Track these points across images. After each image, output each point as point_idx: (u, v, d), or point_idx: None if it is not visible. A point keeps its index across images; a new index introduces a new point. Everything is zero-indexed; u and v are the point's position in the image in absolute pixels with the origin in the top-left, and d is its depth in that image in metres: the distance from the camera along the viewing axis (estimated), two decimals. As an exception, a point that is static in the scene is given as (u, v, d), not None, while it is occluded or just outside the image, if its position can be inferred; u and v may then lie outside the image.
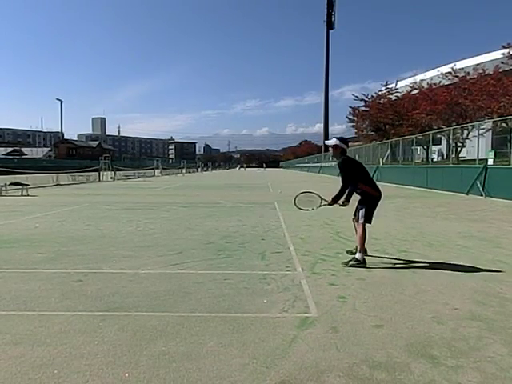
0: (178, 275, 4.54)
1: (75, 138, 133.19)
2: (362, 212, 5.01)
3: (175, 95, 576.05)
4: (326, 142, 5.40)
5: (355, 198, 5.17)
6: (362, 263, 4.89)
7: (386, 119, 38.49)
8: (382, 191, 5.15)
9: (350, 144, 5.55)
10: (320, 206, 5.35)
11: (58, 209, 11.35)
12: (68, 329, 3.08)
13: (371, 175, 5.46)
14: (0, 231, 7.59)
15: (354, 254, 5.11)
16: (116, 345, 2.81)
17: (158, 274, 4.59)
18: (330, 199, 5.17)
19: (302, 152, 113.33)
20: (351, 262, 4.92)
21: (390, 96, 40.83)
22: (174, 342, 2.86)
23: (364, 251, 5.03)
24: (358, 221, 5.08)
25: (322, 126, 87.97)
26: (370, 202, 5.03)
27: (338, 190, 5.11)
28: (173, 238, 6.88)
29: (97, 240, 6.63)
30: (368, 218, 5.00)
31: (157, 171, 50.68)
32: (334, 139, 5.20)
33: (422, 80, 36.38)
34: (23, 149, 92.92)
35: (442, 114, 29.36)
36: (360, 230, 4.98)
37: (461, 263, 5.09)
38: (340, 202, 5.14)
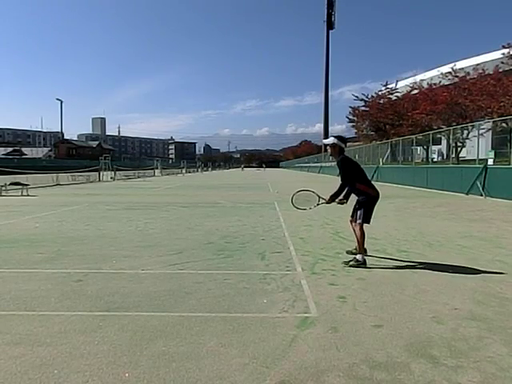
0: (178, 275, 4.54)
1: (75, 138, 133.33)
2: (359, 212, 5.00)
3: (175, 95, 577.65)
4: (324, 141, 5.39)
5: (353, 197, 5.18)
6: (362, 264, 4.89)
7: (386, 119, 38.49)
8: (379, 191, 5.14)
9: (349, 144, 5.58)
10: (318, 204, 5.30)
11: (58, 209, 11.36)
12: (68, 329, 3.08)
13: (371, 175, 5.50)
14: (0, 231, 7.59)
15: (354, 254, 5.13)
16: (116, 345, 2.81)
17: (158, 274, 4.59)
18: (328, 197, 5.14)
19: (302, 152, 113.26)
20: (351, 263, 4.92)
21: (390, 96, 40.84)
22: (174, 341, 2.86)
23: (364, 251, 5.04)
24: (355, 221, 5.06)
25: (321, 125, 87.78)
26: (367, 202, 5.01)
27: (336, 189, 5.10)
28: (173, 237, 6.88)
29: (97, 240, 6.63)
30: (366, 219, 4.99)
31: (157, 171, 50.69)
32: (332, 138, 5.20)
33: (422, 80, 36.37)
34: (23, 149, 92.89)
35: (442, 114, 29.35)
36: (358, 231, 4.99)
37: (461, 263, 5.09)
38: (337, 200, 5.12)
